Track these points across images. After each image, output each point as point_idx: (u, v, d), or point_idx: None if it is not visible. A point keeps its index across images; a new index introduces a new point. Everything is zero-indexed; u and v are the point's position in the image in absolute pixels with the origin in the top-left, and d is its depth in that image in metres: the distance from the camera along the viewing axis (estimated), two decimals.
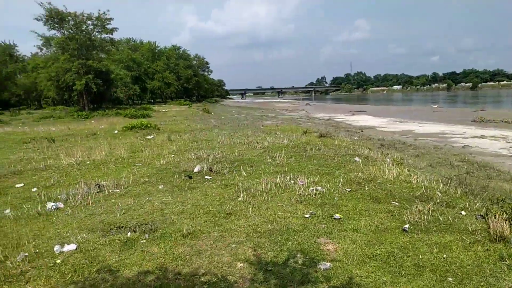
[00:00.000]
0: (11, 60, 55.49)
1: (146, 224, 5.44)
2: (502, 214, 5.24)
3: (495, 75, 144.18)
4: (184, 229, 5.13)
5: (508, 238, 4.55)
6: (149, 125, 20.07)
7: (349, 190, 6.95)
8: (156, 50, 78.95)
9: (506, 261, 4.04)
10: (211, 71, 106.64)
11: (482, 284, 3.61)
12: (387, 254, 4.27)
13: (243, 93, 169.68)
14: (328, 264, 4.05)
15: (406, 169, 8.71)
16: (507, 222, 4.94)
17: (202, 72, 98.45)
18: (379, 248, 4.42)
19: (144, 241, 4.88)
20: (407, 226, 5.08)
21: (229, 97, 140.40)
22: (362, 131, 25.05)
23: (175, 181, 8.02)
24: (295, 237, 4.84)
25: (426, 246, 4.47)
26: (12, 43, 58.38)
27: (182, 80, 77.82)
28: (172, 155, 11.06)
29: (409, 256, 4.22)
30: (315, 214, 5.72)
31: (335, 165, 9.14)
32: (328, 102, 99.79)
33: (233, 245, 4.65)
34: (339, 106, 68.18)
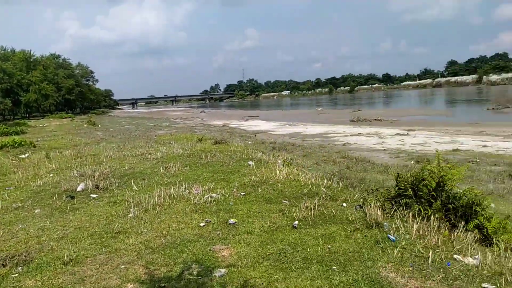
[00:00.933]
0: None
1: (19, 255, 4.75)
2: (376, 202, 5.87)
3: (369, 79, 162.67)
4: (65, 256, 4.60)
5: (381, 223, 5.09)
6: (23, 143, 17.81)
7: (244, 193, 7.08)
8: (32, 60, 70.74)
9: (380, 244, 4.50)
10: (97, 81, 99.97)
11: (361, 268, 3.95)
12: (278, 252, 4.42)
13: (134, 102, 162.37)
14: (223, 271, 4.03)
15: (295, 168, 9.20)
16: (380, 209, 5.54)
17: (86, 82, 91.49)
18: (271, 247, 4.56)
19: (16, 275, 4.26)
20: (296, 222, 5.35)
21: (119, 107, 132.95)
22: (255, 135, 26.00)
23: (54, 203, 7.20)
24: (190, 247, 4.72)
25: (313, 239, 4.76)
26: None
27: (63, 91, 71.06)
28: (51, 175, 9.95)
29: (298, 251, 4.43)
30: (210, 221, 5.68)
31: (230, 171, 9.24)
32: (223, 109, 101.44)
33: (122, 266, 4.33)
34: (233, 113, 69.73)
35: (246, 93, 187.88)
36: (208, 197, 6.85)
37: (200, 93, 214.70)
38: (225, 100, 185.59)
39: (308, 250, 4.44)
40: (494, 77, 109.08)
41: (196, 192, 7.29)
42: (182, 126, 35.55)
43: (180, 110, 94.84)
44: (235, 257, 4.36)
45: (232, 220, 5.60)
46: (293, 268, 4.02)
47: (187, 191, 7.42)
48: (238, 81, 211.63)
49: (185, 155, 12.07)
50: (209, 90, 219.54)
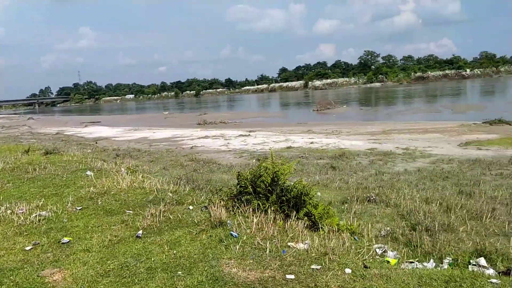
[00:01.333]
0: None
1: None
2: (220, 202, 6.09)
3: (213, 84, 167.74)
4: None
5: (225, 222, 5.29)
6: None
7: (80, 208, 6.43)
8: None
9: (224, 242, 4.67)
10: None
11: (206, 268, 4.02)
12: (120, 266, 4.14)
13: None
14: None
15: (141, 175, 8.84)
16: (224, 208, 5.76)
17: None
18: (112, 263, 4.24)
19: None
20: (140, 232, 5.12)
21: None
22: (96, 142, 24.08)
23: None
24: (12, 277, 4.01)
25: (158, 247, 4.63)
26: None
27: None
28: None
29: (142, 261, 4.24)
30: (39, 243, 4.96)
31: (63, 184, 8.27)
32: (57, 114, 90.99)
33: None
34: (69, 118, 63.26)
35: (84, 97, 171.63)
36: (36, 215, 5.98)
37: (27, 97, 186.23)
38: (59, 105, 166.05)
39: (153, 259, 4.30)
40: (317, 83, 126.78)
41: (20, 211, 6.27)
42: (4, 136, 30.28)
43: (1, 118, 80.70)
44: (69, 280, 3.91)
45: (65, 239, 5.00)
46: (136, 280, 3.83)
47: (9, 211, 6.33)
48: (74, 84, 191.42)
49: (7, 169, 10.29)
50: (38, 94, 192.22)
